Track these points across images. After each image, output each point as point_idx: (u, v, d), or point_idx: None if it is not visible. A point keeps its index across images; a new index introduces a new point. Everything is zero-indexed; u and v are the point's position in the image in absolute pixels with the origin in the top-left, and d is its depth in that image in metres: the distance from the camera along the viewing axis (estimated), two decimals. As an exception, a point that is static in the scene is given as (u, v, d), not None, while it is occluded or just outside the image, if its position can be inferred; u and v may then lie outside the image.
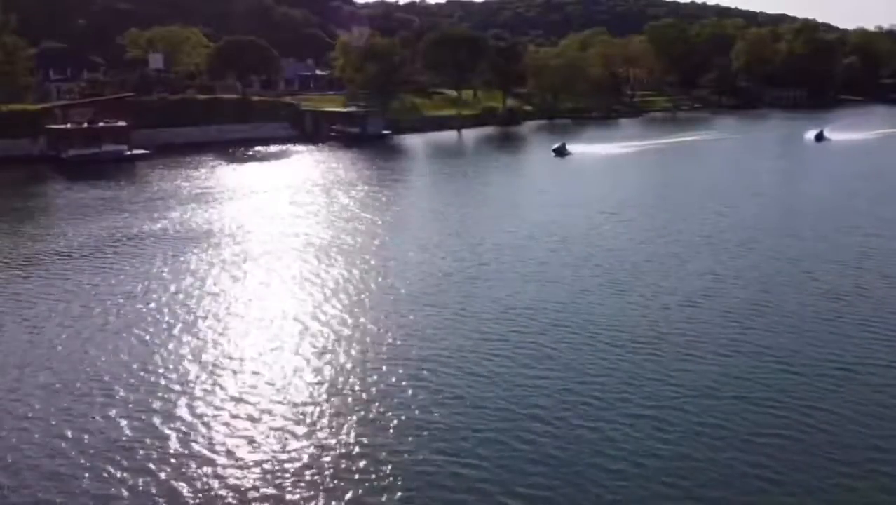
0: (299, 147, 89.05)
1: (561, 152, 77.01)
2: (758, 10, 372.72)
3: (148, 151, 76.95)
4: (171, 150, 78.56)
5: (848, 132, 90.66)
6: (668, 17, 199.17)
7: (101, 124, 77.12)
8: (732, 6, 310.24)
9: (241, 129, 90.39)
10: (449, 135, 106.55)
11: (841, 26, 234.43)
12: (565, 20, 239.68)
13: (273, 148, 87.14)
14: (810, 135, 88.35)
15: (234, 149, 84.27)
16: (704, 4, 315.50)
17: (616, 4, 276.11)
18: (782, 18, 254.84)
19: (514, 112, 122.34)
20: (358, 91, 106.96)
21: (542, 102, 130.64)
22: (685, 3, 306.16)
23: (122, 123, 77.91)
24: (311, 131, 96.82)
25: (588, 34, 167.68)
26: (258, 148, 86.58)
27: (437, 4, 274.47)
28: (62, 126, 76.75)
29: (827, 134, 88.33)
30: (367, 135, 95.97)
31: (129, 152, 76.73)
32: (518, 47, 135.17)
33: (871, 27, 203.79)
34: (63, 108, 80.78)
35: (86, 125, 76.57)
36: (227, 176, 67.46)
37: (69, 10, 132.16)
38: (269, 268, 35.33)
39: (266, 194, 56.75)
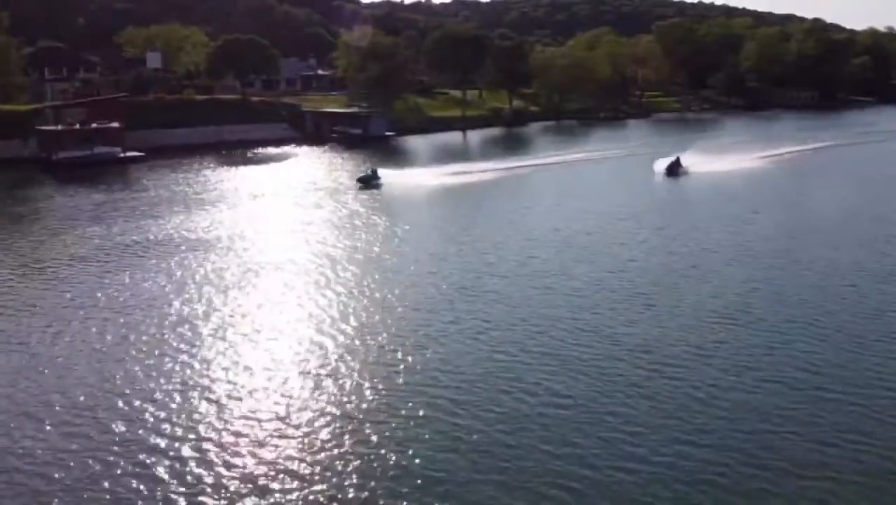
0: (299, 149, 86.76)
1: (367, 181, 58.65)
2: (765, 10, 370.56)
3: (142, 154, 74.59)
4: (167, 152, 76.23)
5: (713, 159, 65.25)
6: (675, 17, 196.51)
7: (93, 126, 74.62)
8: (740, 6, 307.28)
9: (240, 131, 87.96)
10: (454, 136, 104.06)
11: (849, 27, 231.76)
12: (572, 20, 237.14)
13: (272, 150, 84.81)
14: (661, 166, 62.36)
15: (233, 151, 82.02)
16: (712, 4, 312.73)
17: (622, 4, 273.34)
18: (790, 18, 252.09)
19: (520, 113, 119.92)
20: (360, 91, 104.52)
21: (548, 103, 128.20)
22: (692, 3, 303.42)
23: (115, 125, 75.47)
24: (312, 132, 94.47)
25: (595, 34, 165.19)
26: (257, 150, 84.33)
27: (442, 4, 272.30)
28: (53, 127, 74.32)
29: (684, 163, 62.50)
30: (369, 136, 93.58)
31: (122, 154, 74.36)
32: (524, 47, 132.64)
33: (881, 28, 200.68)
34: (55, 109, 78.41)
35: (78, 126, 74.10)
36: (224, 180, 65.07)
37: (67, 9, 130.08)
38: (266, 277, 33.72)
39: (263, 199, 54.70)
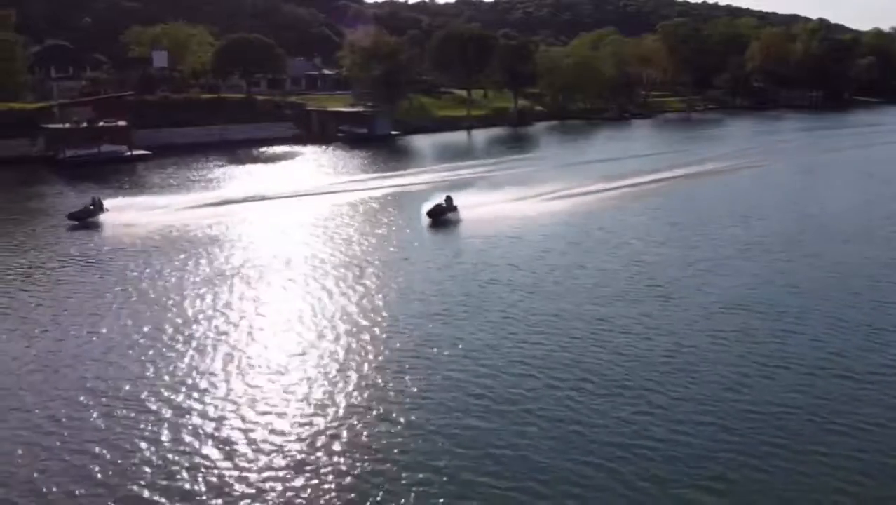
0: (305, 148, 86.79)
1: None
2: (770, 10, 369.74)
3: (149, 152, 74.76)
4: (174, 151, 76.38)
5: (484, 198, 48.20)
6: (679, 16, 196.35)
7: (100, 124, 74.79)
8: (744, 6, 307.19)
9: (246, 130, 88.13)
10: (458, 135, 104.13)
11: (854, 27, 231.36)
12: (575, 20, 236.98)
13: (278, 149, 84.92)
14: (428, 208, 44.58)
15: (239, 150, 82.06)
16: (716, 4, 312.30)
17: (627, 4, 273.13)
18: (795, 19, 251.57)
19: (524, 112, 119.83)
20: (365, 91, 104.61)
21: (553, 103, 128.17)
22: (696, 3, 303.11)
23: (122, 123, 75.64)
24: (318, 132, 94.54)
25: (599, 34, 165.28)
26: (263, 149, 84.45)
27: (446, 3, 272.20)
28: (60, 126, 74.49)
29: (456, 202, 44.83)
30: (374, 135, 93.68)
31: (129, 153, 74.55)
32: (529, 46, 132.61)
33: (886, 28, 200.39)
34: (61, 107, 78.53)
35: (85, 125, 74.24)
36: (230, 179, 65.09)
37: (74, 8, 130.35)
38: (273, 271, 33.72)
39: (269, 199, 53.65)
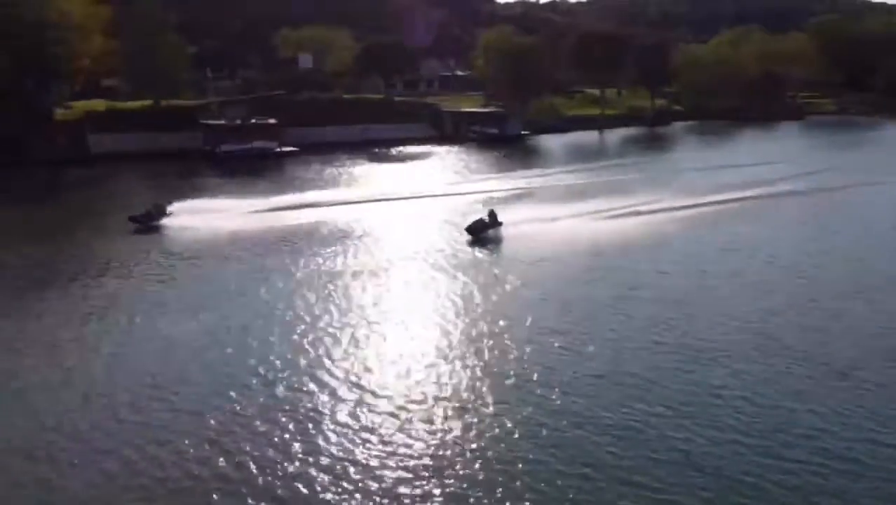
0: (439, 148, 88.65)
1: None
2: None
3: (296, 149, 78.94)
4: (318, 149, 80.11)
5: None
6: (829, 13, 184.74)
7: (253, 121, 79.78)
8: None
9: (384, 130, 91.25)
10: (590, 135, 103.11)
11: None
12: (715, 16, 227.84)
13: (414, 148, 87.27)
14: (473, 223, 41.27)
15: (378, 148, 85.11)
16: (868, 1, 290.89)
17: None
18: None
19: (662, 112, 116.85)
20: (497, 91, 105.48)
21: (692, 102, 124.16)
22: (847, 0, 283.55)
23: (272, 121, 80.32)
24: (451, 132, 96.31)
25: (741, 31, 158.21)
26: (399, 148, 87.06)
27: (578, 2, 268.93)
28: (217, 122, 79.98)
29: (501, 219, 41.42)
30: (505, 135, 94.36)
31: (278, 149, 79.01)
32: (666, 44, 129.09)
33: None
34: (219, 105, 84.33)
35: (239, 122, 79.40)
36: (371, 175, 67.83)
37: (227, 12, 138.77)
38: (408, 267, 34.78)
39: (407, 198, 54.85)
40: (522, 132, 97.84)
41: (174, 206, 45.19)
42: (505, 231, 40.84)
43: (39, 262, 36.87)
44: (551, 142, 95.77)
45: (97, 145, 76.19)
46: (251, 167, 70.97)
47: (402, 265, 35.71)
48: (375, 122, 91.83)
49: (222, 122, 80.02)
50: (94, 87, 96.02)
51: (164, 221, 43.87)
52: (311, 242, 40.46)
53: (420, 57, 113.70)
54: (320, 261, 36.61)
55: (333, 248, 39.20)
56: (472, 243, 39.29)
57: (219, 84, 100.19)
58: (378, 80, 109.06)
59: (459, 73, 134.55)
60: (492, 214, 40.98)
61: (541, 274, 33.74)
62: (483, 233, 39.91)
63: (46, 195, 60.64)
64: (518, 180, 61.52)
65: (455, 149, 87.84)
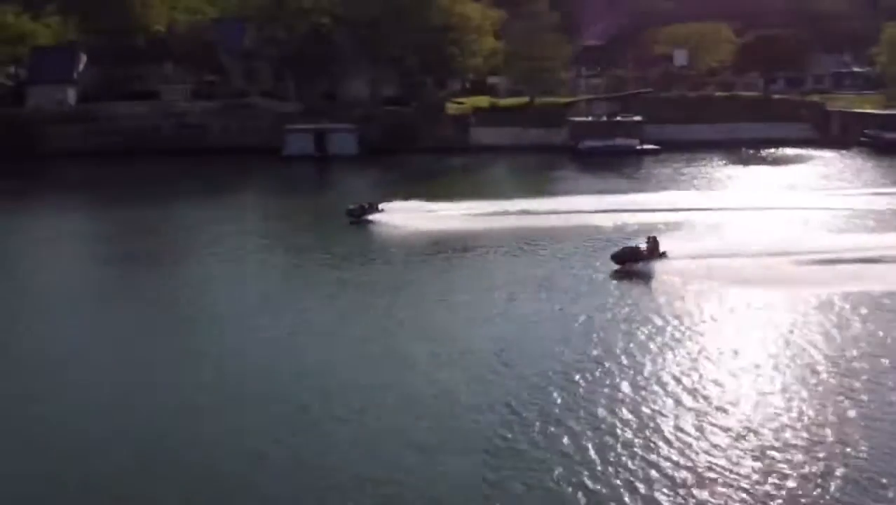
0: (820, 151, 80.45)
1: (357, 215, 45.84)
2: None
3: (658, 147, 78.33)
4: (680, 147, 78.45)
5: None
6: None
7: (617, 118, 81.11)
8: None
9: (756, 129, 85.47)
10: None
11: None
12: None
13: (789, 151, 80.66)
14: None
15: (747, 149, 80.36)
16: None
17: None
18: None
19: None
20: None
21: None
22: None
23: (636, 118, 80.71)
24: (837, 134, 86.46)
25: None
26: (772, 150, 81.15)
27: None
28: (583, 119, 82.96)
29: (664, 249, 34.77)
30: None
31: (639, 147, 79.24)
32: None
33: None
34: (587, 102, 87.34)
35: (604, 118, 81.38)
36: (736, 178, 64.84)
37: (608, 10, 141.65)
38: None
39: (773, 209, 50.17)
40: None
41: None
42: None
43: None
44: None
45: (476, 137, 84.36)
46: (610, 163, 72.35)
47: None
48: (748, 121, 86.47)
49: (589, 118, 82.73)
50: (481, 85, 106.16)
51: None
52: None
53: (809, 52, 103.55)
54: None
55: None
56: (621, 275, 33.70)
57: (590, 82, 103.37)
58: (757, 77, 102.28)
59: (857, 69, 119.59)
60: (652, 242, 34.35)
61: None
62: (632, 265, 33.86)
63: (434, 175, 69.37)
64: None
65: (841, 154, 78.95)
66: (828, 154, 78.86)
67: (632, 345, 25.62)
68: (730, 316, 28.71)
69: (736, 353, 24.80)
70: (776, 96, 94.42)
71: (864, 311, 28.28)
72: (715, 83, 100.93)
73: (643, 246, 34.21)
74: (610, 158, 74.69)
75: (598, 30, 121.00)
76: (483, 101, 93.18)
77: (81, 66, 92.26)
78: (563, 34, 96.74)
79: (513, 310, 29.83)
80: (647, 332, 26.86)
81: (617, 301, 30.61)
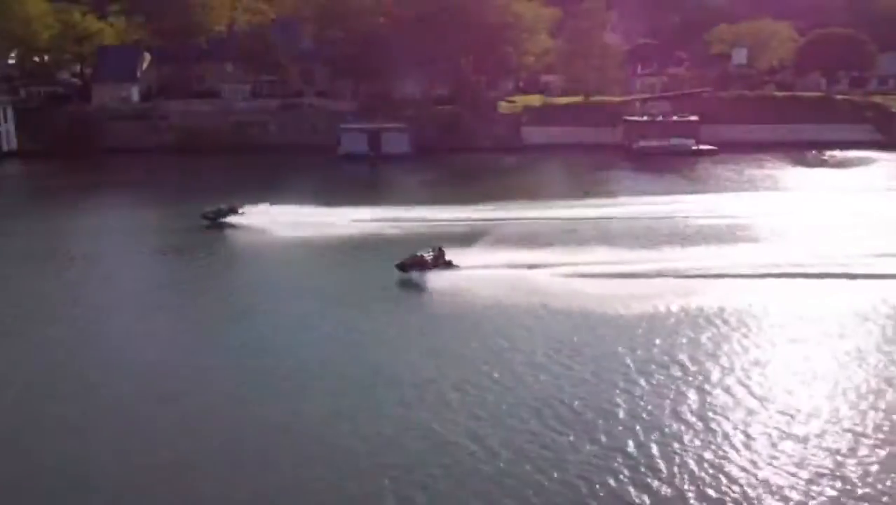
0: (883, 154, 77.87)
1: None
2: None
3: (714, 147, 76.97)
4: (737, 148, 77.00)
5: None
6: None
7: (673, 118, 79.97)
8: None
9: (816, 131, 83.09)
10: None
11: None
12: None
13: (851, 154, 78.21)
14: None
15: (806, 151, 78.30)
16: None
17: None
18: None
19: None
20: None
21: None
22: None
23: (692, 118, 79.42)
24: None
25: None
26: (833, 152, 78.82)
27: None
28: (638, 118, 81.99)
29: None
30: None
31: (695, 147, 78.00)
32: None
33: None
34: (642, 102, 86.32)
35: (659, 118, 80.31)
36: (793, 180, 63.18)
37: (664, 9, 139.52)
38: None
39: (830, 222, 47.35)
40: None
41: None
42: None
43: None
44: None
45: (528, 136, 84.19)
46: (665, 163, 71.43)
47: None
48: (809, 122, 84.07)
49: (644, 118, 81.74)
50: (533, 83, 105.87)
51: None
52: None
53: (872, 52, 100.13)
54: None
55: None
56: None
57: (645, 80, 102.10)
58: (819, 77, 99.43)
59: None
60: (438, 251, 34.93)
61: None
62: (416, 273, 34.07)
63: (483, 176, 69.60)
64: None
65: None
66: (892, 157, 76.34)
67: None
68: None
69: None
70: (839, 97, 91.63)
71: None
72: (775, 83, 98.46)
73: (428, 256, 34.60)
74: (665, 159, 73.74)
75: (653, 28, 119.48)
76: (536, 99, 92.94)
77: (145, 65, 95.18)
78: (617, 32, 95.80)
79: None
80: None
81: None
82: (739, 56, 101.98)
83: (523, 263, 34.38)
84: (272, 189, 52.63)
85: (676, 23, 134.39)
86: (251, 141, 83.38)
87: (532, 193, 55.15)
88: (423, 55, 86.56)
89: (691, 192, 55.30)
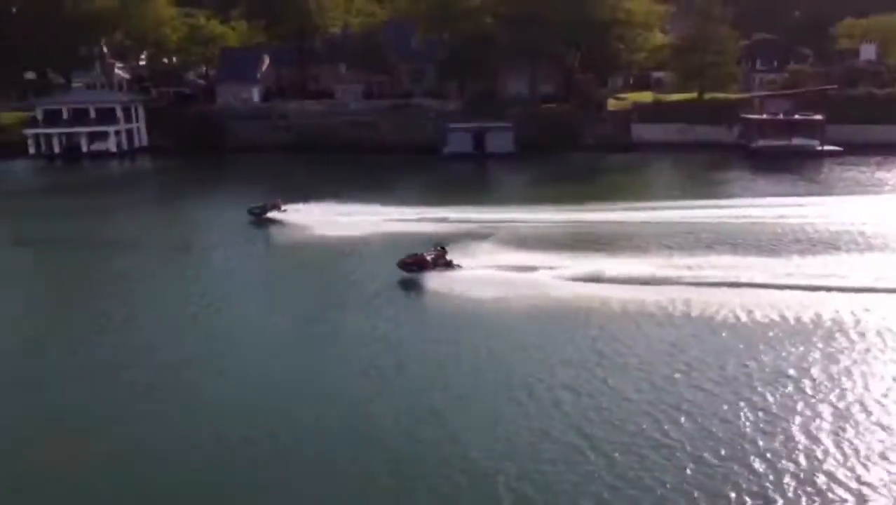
0: None
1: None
2: None
3: (840, 148, 72.86)
4: (867, 150, 72.36)
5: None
6: None
7: (795, 117, 76.26)
8: None
9: (956, 131, 77.28)
10: None
11: None
12: None
13: None
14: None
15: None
16: None
17: None
18: None
19: None
20: None
21: None
22: None
23: (817, 117, 75.42)
24: None
25: None
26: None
27: None
28: (757, 116, 78.68)
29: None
30: None
31: (819, 148, 74.14)
32: None
33: None
34: (761, 99, 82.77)
35: (780, 117, 76.75)
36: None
37: (785, 4, 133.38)
38: None
39: None
40: None
41: None
42: None
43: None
44: None
45: (638, 134, 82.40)
46: (787, 165, 68.26)
47: None
48: (946, 122, 78.24)
49: (763, 116, 78.40)
50: (644, 80, 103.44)
51: None
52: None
53: None
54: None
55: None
56: None
57: (765, 77, 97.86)
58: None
59: None
60: (440, 251, 34.47)
61: None
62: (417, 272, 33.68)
63: (589, 175, 68.71)
64: None
65: None
66: None
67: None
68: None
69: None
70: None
71: None
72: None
73: (429, 255, 34.08)
74: (786, 159, 70.42)
75: (773, 22, 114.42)
76: (646, 96, 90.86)
77: (264, 67, 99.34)
78: (735, 27, 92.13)
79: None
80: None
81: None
82: (868, 52, 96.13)
83: (646, 275, 32.44)
84: (379, 188, 54.26)
85: (798, 17, 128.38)
86: (363, 140, 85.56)
87: (640, 194, 54.03)
88: (530, 53, 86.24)
89: (816, 195, 52.69)
